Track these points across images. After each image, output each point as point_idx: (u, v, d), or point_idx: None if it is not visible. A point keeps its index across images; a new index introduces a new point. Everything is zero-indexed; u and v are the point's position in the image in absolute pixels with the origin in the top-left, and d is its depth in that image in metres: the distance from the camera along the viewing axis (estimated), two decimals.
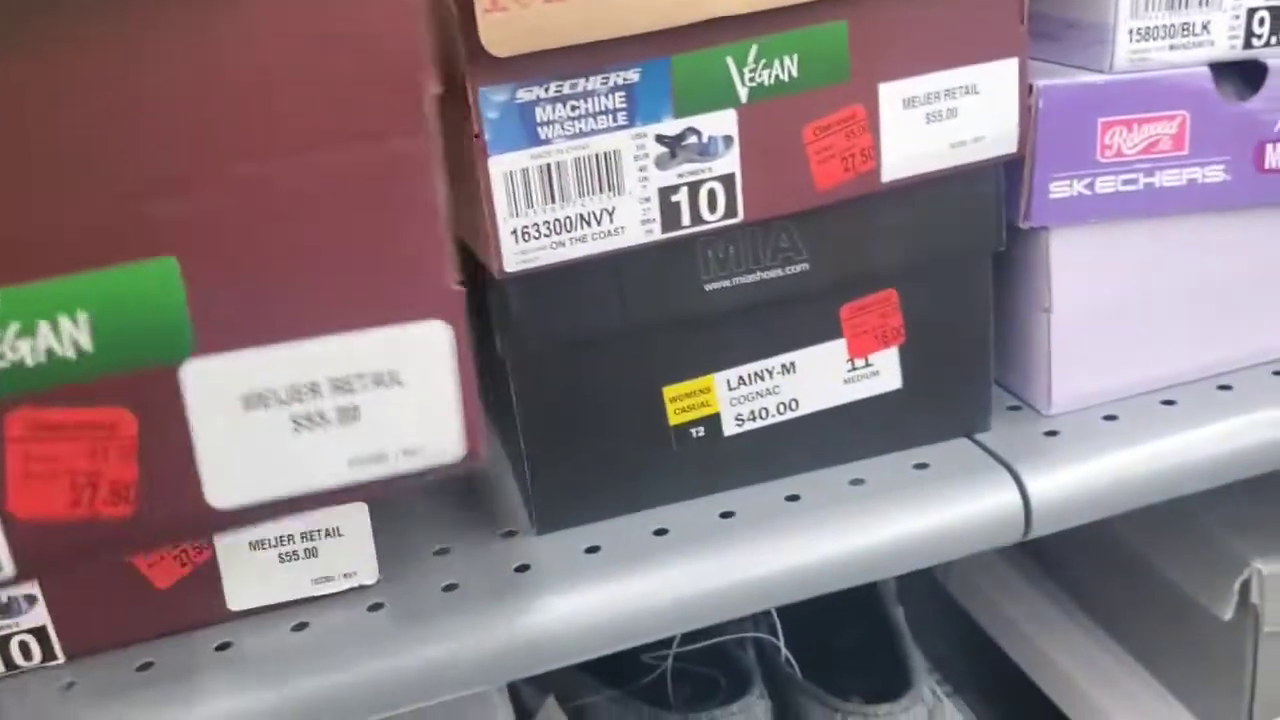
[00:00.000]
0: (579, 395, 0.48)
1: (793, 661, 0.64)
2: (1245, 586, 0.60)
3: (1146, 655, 0.71)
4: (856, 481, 0.51)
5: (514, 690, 0.75)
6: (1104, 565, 0.73)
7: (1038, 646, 0.75)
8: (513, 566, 0.48)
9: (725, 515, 0.49)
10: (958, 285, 0.50)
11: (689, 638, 0.66)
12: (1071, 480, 0.50)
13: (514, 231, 0.40)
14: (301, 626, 0.46)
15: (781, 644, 0.65)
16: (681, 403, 0.49)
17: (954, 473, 0.50)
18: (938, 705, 0.61)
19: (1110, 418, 0.52)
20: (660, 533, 0.49)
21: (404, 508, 0.54)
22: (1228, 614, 0.61)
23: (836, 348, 0.50)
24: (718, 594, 0.47)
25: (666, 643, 0.67)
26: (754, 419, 0.50)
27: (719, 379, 0.49)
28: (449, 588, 0.47)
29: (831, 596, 0.75)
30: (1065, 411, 0.53)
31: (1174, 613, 0.66)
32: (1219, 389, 0.54)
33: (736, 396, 0.49)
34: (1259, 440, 0.52)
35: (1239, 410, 0.52)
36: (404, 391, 0.35)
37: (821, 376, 0.50)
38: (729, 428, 0.50)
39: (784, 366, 0.49)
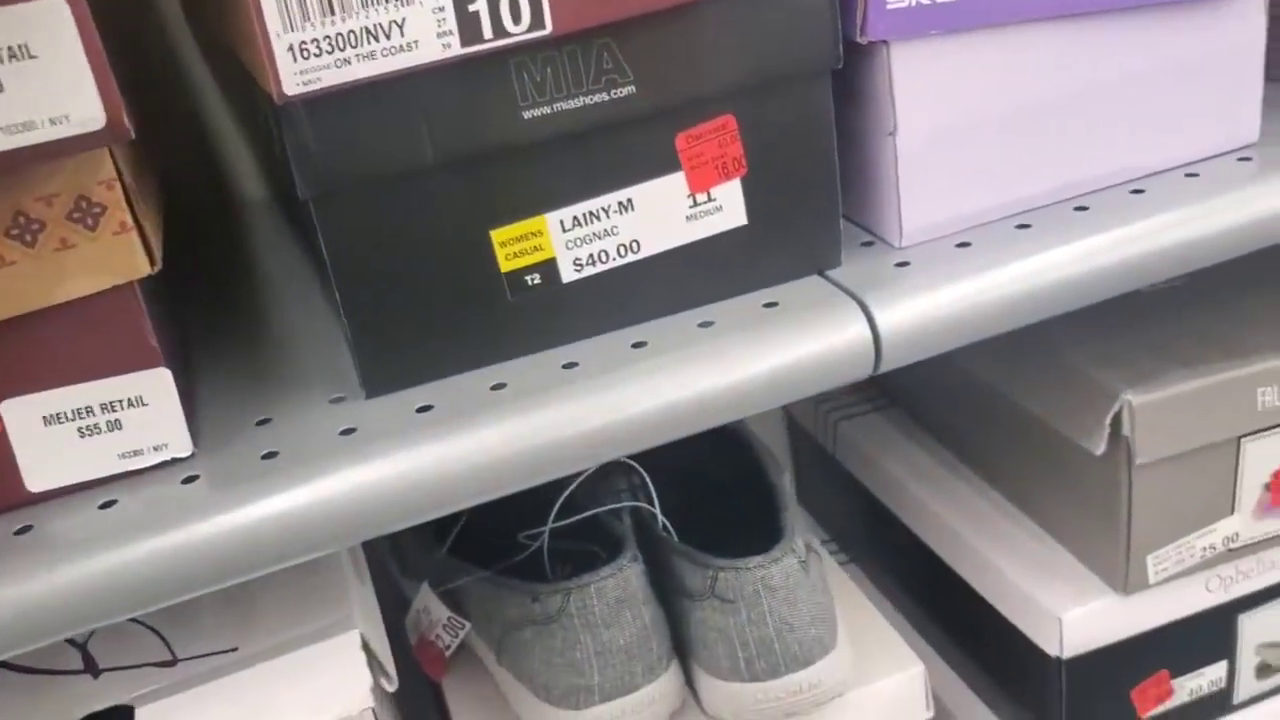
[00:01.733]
0: (397, 243, 0.44)
1: (669, 528, 0.63)
2: (1116, 419, 0.59)
3: (1027, 501, 0.71)
4: (705, 324, 0.48)
5: (391, 581, 0.73)
6: (983, 416, 0.72)
7: (923, 504, 0.75)
8: (338, 430, 0.45)
9: (568, 366, 0.47)
10: (797, 109, 0.47)
11: (564, 513, 0.64)
12: (921, 310, 0.48)
13: (291, 48, 0.37)
14: (109, 504, 0.43)
15: (658, 511, 0.63)
16: (512, 247, 0.46)
17: (803, 309, 0.48)
18: (813, 557, 0.60)
19: (963, 245, 0.50)
20: (498, 387, 0.46)
21: (227, 381, 0.51)
22: (1100, 448, 0.60)
23: (675, 182, 0.47)
24: (559, 445, 0.45)
25: (543, 520, 0.65)
26: (593, 263, 0.47)
27: (551, 219, 0.46)
28: (269, 455, 0.44)
29: (714, 470, 0.74)
30: (918, 242, 0.51)
31: (1050, 453, 0.66)
32: (1075, 210, 0.52)
33: (572, 239, 0.46)
34: (1116, 260, 0.50)
35: (1095, 230, 0.50)
36: (39, 64, 0.36)
37: (662, 214, 0.47)
38: (567, 273, 0.47)
39: (621, 204, 0.47)
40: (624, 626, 0.57)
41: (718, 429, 0.71)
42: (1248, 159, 0.54)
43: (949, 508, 0.73)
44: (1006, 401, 0.67)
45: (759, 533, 0.62)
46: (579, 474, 0.64)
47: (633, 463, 0.65)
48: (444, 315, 0.46)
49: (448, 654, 0.65)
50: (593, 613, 0.57)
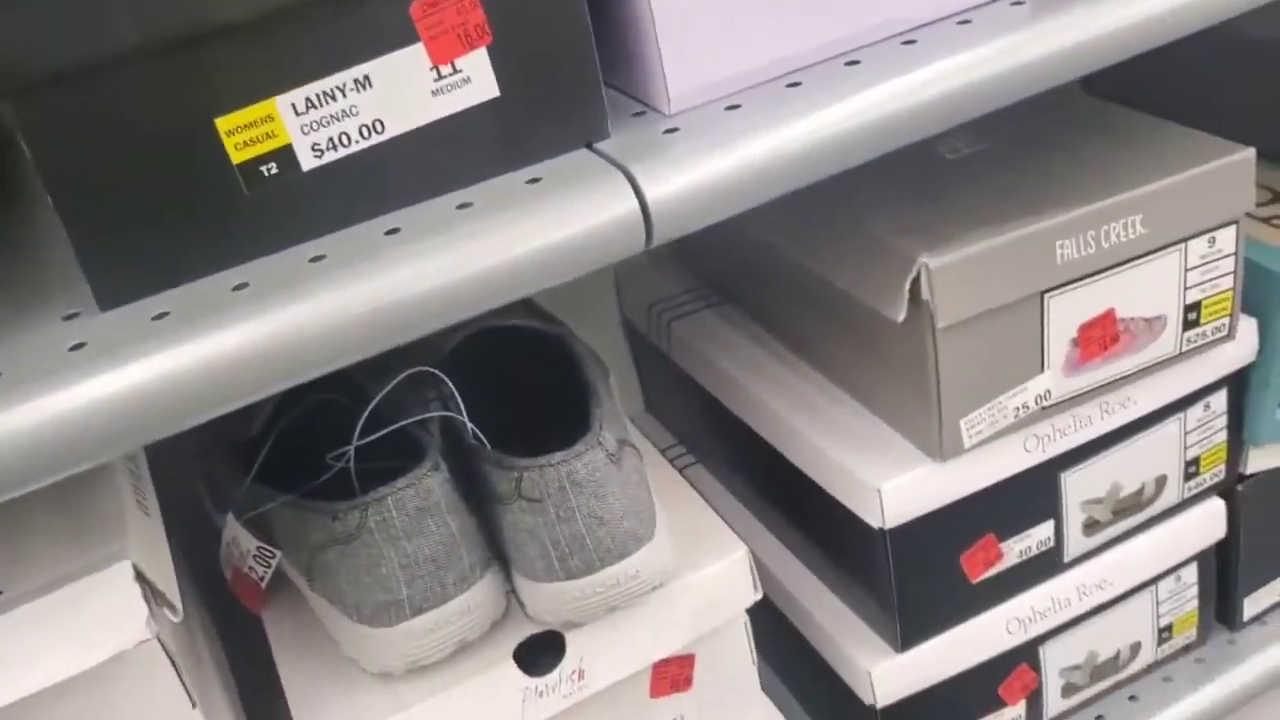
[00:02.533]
0: (111, 140, 0.41)
1: (480, 436, 0.61)
2: (915, 284, 0.58)
3: (845, 377, 0.70)
4: (464, 206, 0.46)
5: (206, 515, 0.70)
6: (798, 297, 0.72)
7: (752, 393, 0.74)
8: (67, 346, 0.42)
9: (316, 259, 0.44)
10: None
11: (368, 429, 0.61)
12: (690, 178, 0.46)
13: None
14: None
15: (465, 419, 0.61)
16: (241, 136, 0.43)
17: (567, 184, 0.46)
18: (627, 451, 0.58)
19: (733, 107, 0.49)
20: (240, 288, 0.43)
21: None
22: (901, 315, 0.59)
23: (415, 54, 0.44)
24: (306, 343, 0.42)
25: (348, 440, 0.62)
26: (334, 148, 0.44)
27: (281, 103, 0.43)
28: None
29: (535, 378, 0.72)
30: (687, 108, 0.49)
31: (859, 326, 0.65)
32: (846, 65, 0.50)
33: (308, 123, 0.43)
34: (889, 113, 0.49)
35: (867, 85, 0.49)
36: None
37: (404, 91, 0.44)
38: (306, 161, 0.44)
39: (358, 82, 0.44)
40: (428, 536, 0.55)
41: (539, 336, 0.69)
42: (1020, 3, 0.53)
43: (775, 394, 0.72)
44: (815, 278, 0.66)
45: (576, 435, 0.61)
46: (382, 387, 0.61)
47: (438, 372, 0.62)
48: (175, 216, 0.43)
49: (263, 585, 0.63)
50: (393, 525, 0.55)
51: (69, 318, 0.44)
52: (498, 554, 0.60)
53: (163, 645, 0.50)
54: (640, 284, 0.89)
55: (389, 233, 0.45)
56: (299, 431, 0.66)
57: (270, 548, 0.61)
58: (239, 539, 0.63)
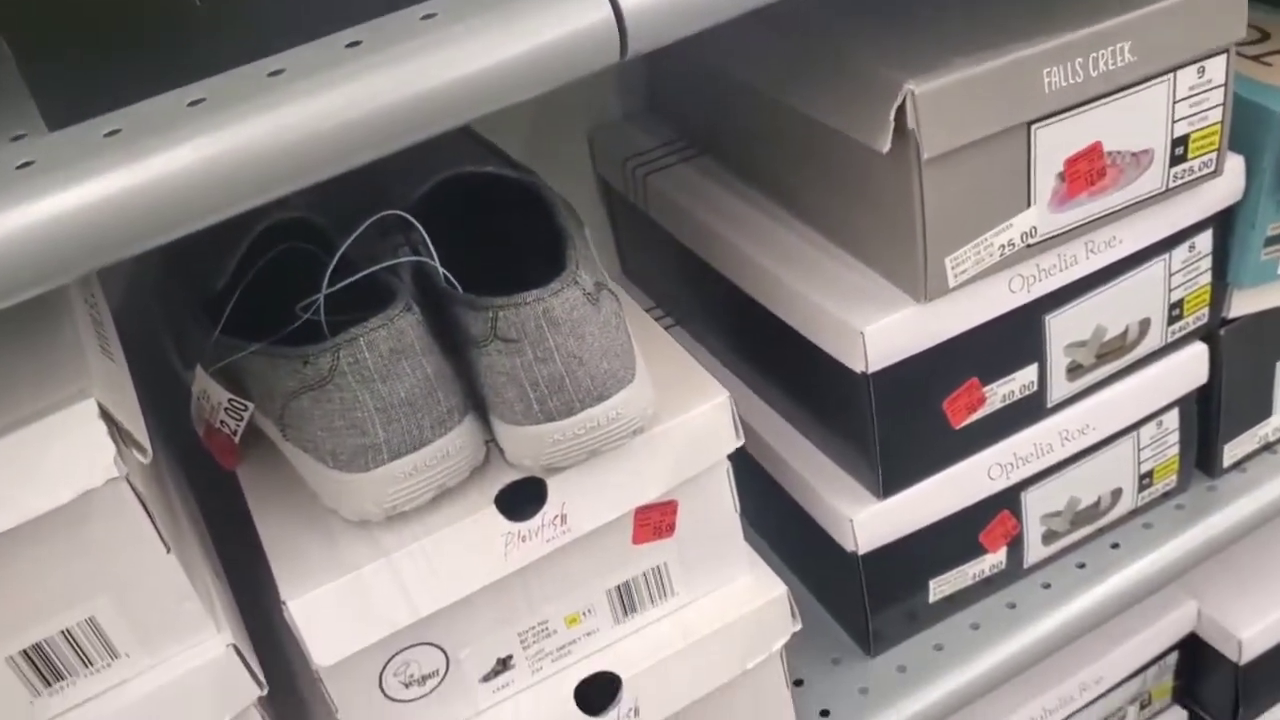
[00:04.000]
0: None
1: (452, 280, 0.59)
2: (900, 112, 0.57)
3: (826, 221, 0.69)
4: (428, 16, 0.43)
5: (176, 376, 0.69)
6: (776, 137, 0.70)
7: (729, 242, 0.72)
8: (14, 165, 0.40)
9: (274, 74, 0.42)
10: None
11: (337, 278, 0.60)
12: None
13: None
14: None
15: (437, 263, 0.59)
16: None
17: None
18: (605, 295, 0.57)
19: None
20: (196, 103, 0.41)
21: None
22: (886, 145, 0.57)
23: None
24: (264, 158, 0.40)
25: (317, 290, 0.60)
26: None
27: None
28: None
29: (509, 228, 0.70)
30: None
31: (841, 163, 0.63)
32: None
33: None
34: None
35: None
36: None
37: None
38: None
39: None
40: (403, 378, 0.54)
41: (511, 184, 0.67)
42: None
43: (754, 244, 0.71)
44: (796, 115, 0.64)
45: (549, 278, 0.59)
46: (350, 235, 0.59)
47: (408, 216, 0.60)
48: (125, 32, 0.41)
49: (236, 439, 0.62)
50: (366, 367, 0.53)
51: (16, 139, 0.42)
52: (476, 403, 0.59)
53: (132, 487, 0.49)
54: (614, 140, 0.87)
55: (350, 45, 0.43)
56: (267, 283, 0.64)
57: (242, 400, 0.60)
58: (209, 392, 0.61)
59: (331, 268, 0.59)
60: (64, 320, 0.53)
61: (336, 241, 0.60)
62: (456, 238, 0.62)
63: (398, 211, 0.60)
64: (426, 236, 0.60)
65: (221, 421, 0.62)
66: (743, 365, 0.80)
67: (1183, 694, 0.99)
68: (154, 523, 0.50)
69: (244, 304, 0.63)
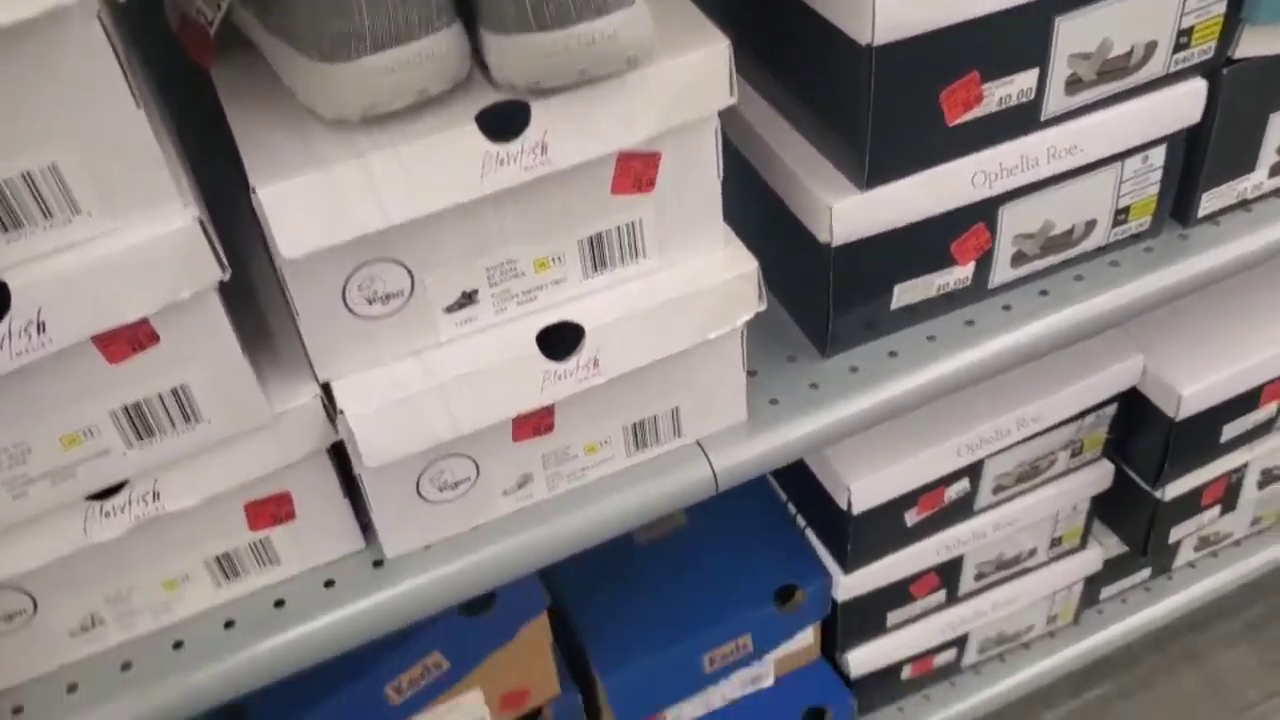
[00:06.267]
0: None
1: None
2: None
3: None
4: None
5: None
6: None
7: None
8: None
9: None
10: None
11: None
12: None
13: None
14: None
15: None
16: None
17: None
18: None
19: None
20: None
21: None
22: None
23: None
24: None
25: None
26: None
27: None
28: None
29: None
30: None
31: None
32: None
33: None
34: None
35: None
36: None
37: None
38: None
39: None
40: None
41: None
42: None
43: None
44: None
45: None
46: None
47: None
48: None
49: (212, 32, 0.59)
50: None
51: None
52: (466, 17, 0.56)
53: (104, 26, 0.46)
54: None
55: None
56: None
57: None
58: None
59: None
60: None
61: None
62: None
63: None
64: None
65: (198, 10, 0.59)
66: (737, 42, 0.77)
67: (1113, 448, 1.02)
68: (124, 72, 0.48)
69: None
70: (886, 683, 1.10)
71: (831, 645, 1.05)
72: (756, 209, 0.75)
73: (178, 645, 0.67)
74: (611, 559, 1.00)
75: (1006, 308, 0.79)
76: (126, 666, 0.67)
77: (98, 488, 0.59)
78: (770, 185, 0.74)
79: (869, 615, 1.03)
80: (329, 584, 0.69)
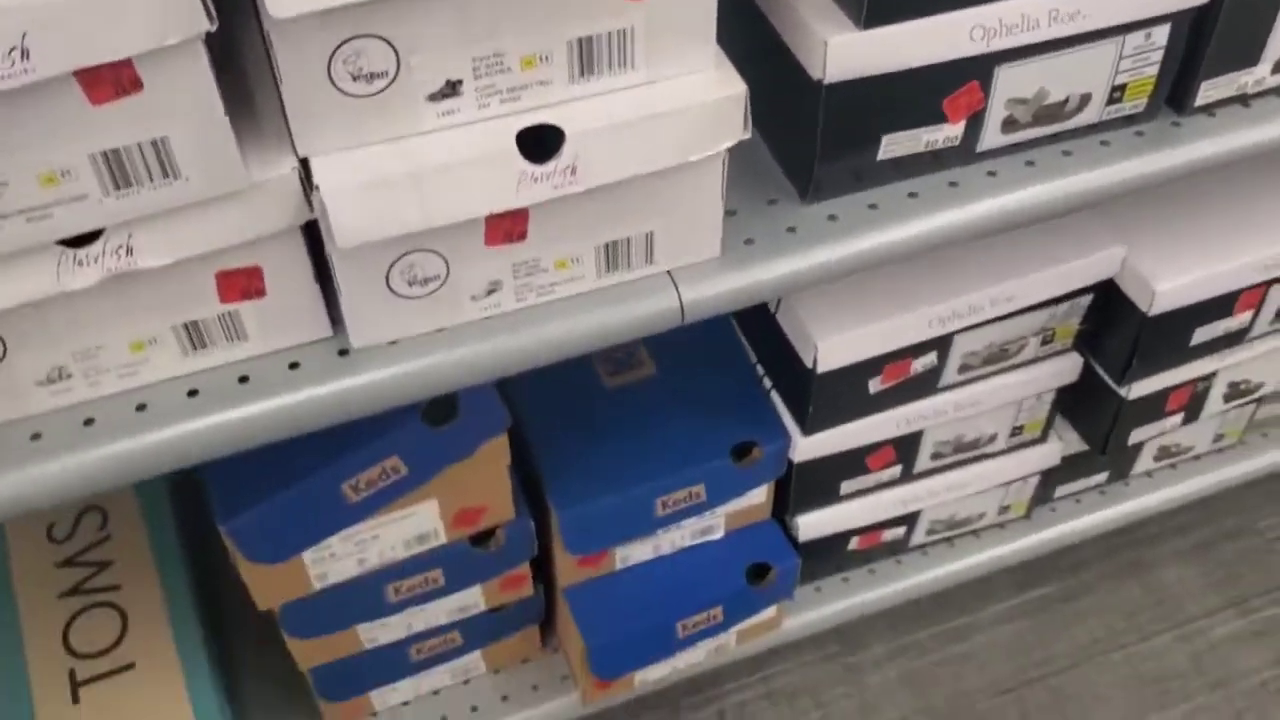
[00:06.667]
0: None
1: None
2: None
3: None
4: None
5: None
6: None
7: None
8: None
9: None
10: None
11: None
12: None
13: None
14: None
15: None
16: None
17: None
18: None
19: None
20: None
21: None
22: None
23: None
24: None
25: None
26: None
27: None
28: None
29: None
30: None
31: None
32: None
33: None
34: None
35: None
36: None
37: None
38: None
39: None
40: None
41: None
42: None
43: None
44: None
45: None
46: None
47: None
48: None
49: None
50: None
51: None
52: None
53: None
54: None
55: None
56: None
57: None
58: None
59: None
60: None
61: None
62: None
63: None
64: None
65: None
66: None
67: (1084, 340, 1.03)
68: None
69: None
70: (833, 551, 1.13)
71: (783, 508, 1.07)
72: (748, 45, 0.75)
73: (141, 408, 0.69)
74: (577, 397, 1.02)
75: (992, 174, 0.79)
76: (89, 422, 0.68)
77: (72, 232, 0.60)
78: (766, 17, 0.74)
79: (823, 481, 1.05)
80: (294, 365, 0.71)
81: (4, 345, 0.65)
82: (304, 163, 0.63)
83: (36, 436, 0.68)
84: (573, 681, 1.11)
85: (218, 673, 1.01)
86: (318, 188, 0.62)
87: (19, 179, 0.57)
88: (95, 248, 0.62)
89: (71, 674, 0.99)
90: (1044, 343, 1.01)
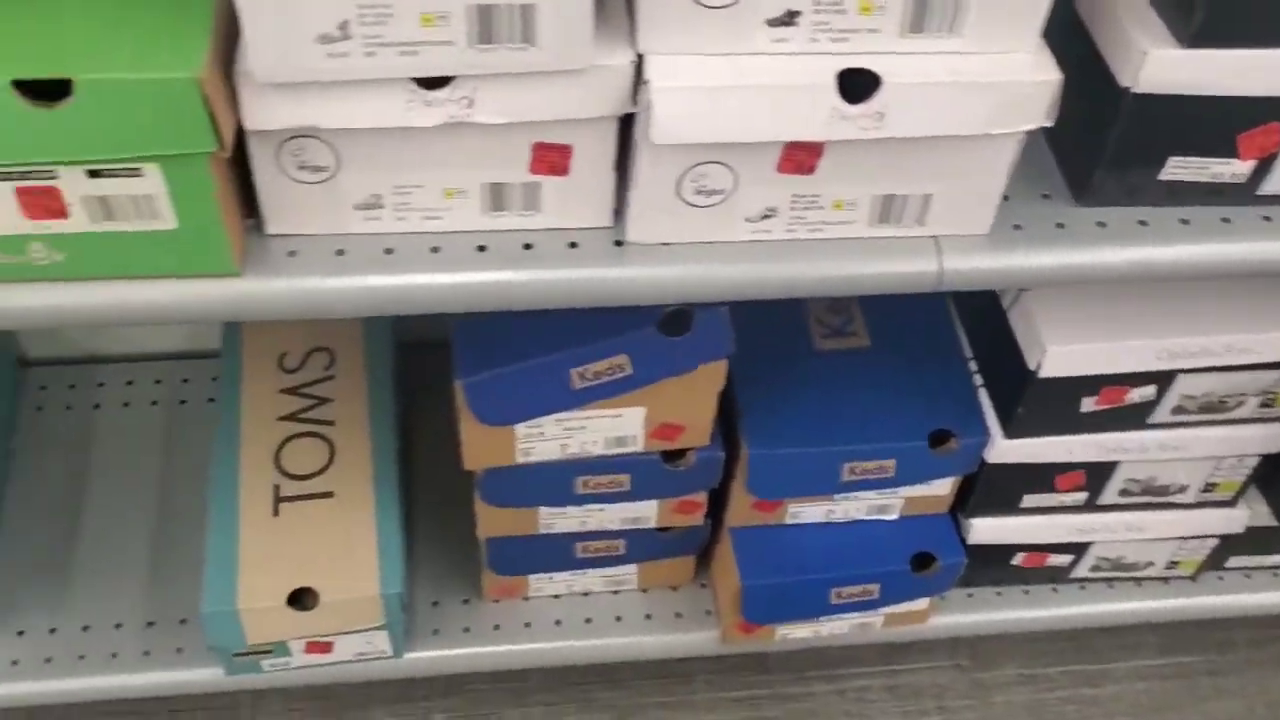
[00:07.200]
0: None
1: None
2: None
3: None
4: None
5: None
6: None
7: None
8: None
9: None
10: None
11: None
12: None
13: None
14: None
15: None
16: None
17: None
18: None
19: None
20: None
21: None
22: None
23: None
24: None
25: None
26: None
27: None
28: None
29: None
30: None
31: None
32: None
33: None
34: None
35: None
36: None
37: None
38: None
39: None
40: None
41: None
42: None
43: None
44: None
45: None
46: None
47: None
48: None
49: None
50: None
51: None
52: None
53: None
54: None
55: None
56: None
57: None
58: None
59: None
60: None
61: None
62: None
63: None
64: None
65: None
66: None
67: None
68: None
69: None
70: (996, 562, 1.15)
71: (961, 506, 1.09)
72: (1056, 42, 0.77)
73: (435, 250, 0.75)
74: (789, 351, 1.06)
75: (1267, 219, 0.80)
76: (389, 251, 0.75)
77: (432, 73, 0.67)
78: (1081, 18, 0.76)
79: (1008, 489, 1.07)
80: (573, 245, 0.76)
81: (337, 160, 0.72)
82: (640, 59, 0.68)
83: (341, 253, 0.75)
84: (716, 619, 1.15)
85: (404, 522, 1.08)
86: (648, 82, 0.67)
87: (403, 13, 0.64)
88: (443, 93, 0.68)
89: (276, 489, 1.07)
90: (1263, 404, 1.01)
